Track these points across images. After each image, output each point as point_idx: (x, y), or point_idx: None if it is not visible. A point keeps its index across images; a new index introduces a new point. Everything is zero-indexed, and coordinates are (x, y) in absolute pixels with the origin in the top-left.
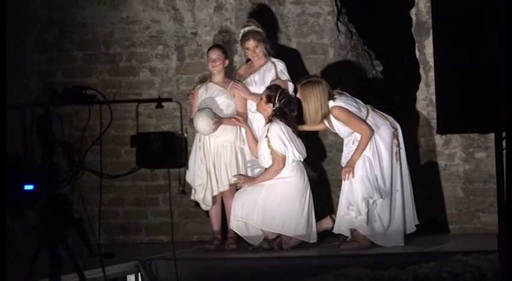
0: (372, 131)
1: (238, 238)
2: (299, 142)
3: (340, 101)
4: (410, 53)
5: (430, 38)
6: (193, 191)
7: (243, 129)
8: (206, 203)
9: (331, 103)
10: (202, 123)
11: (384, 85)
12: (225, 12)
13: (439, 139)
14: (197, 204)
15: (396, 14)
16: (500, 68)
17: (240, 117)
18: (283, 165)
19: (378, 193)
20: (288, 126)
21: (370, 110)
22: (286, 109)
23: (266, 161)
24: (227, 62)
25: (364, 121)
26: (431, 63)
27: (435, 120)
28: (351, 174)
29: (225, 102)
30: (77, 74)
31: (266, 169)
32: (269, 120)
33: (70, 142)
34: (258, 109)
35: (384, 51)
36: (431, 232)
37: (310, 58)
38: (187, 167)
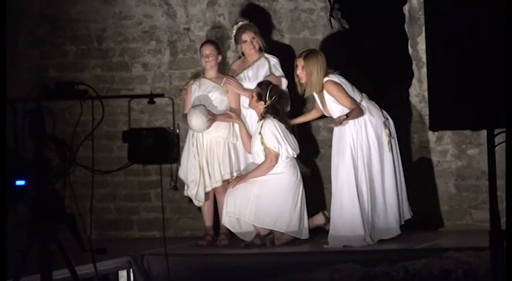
0: (361, 110)
1: (231, 234)
2: (292, 138)
3: (335, 77)
4: (403, 49)
5: (423, 34)
6: (186, 187)
7: (236, 125)
8: (199, 199)
9: (325, 78)
10: (196, 120)
11: (377, 81)
12: (218, 8)
13: (431, 136)
14: (190, 200)
15: (389, 10)
16: (493, 65)
17: (233, 114)
18: (276, 162)
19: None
20: (281, 122)
21: (364, 97)
22: (278, 106)
23: (259, 157)
24: (220, 57)
25: (356, 101)
26: (424, 59)
27: (428, 117)
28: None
29: (218, 98)
30: (69, 69)
31: (258, 165)
32: (262, 117)
33: (62, 137)
34: (250, 106)
35: (376, 48)
36: (424, 228)
37: None
38: (180, 163)
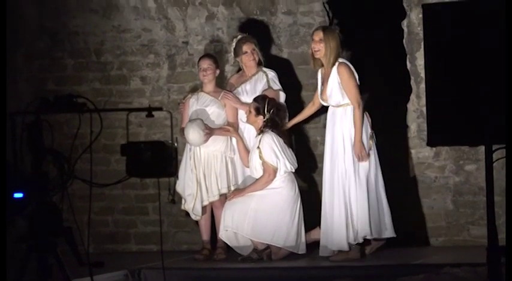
0: (362, 104)
1: (228, 248)
2: (290, 152)
3: (349, 63)
4: (401, 65)
5: (422, 49)
6: (183, 200)
7: (233, 139)
8: (196, 213)
9: (340, 59)
10: (193, 134)
11: (375, 96)
12: (216, 22)
13: (429, 151)
14: (187, 213)
15: (388, 25)
16: (491, 81)
17: (231, 128)
18: (274, 176)
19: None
20: (280, 136)
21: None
22: (276, 118)
23: (257, 172)
24: (218, 71)
25: (360, 93)
26: (423, 75)
27: (426, 132)
28: (363, 153)
29: (216, 112)
30: (68, 82)
31: (257, 179)
32: (261, 131)
33: (60, 150)
34: (249, 121)
35: (374, 62)
36: (418, 244)
37: (301, 68)
38: (177, 177)
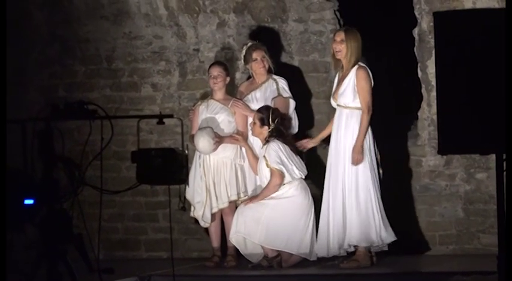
0: (372, 112)
1: (238, 255)
2: (298, 159)
3: (367, 68)
4: (412, 72)
5: (433, 57)
6: (192, 207)
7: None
8: (205, 220)
9: (361, 62)
10: (203, 143)
11: (386, 104)
12: (227, 29)
13: (440, 159)
14: (197, 221)
15: (399, 33)
16: (501, 90)
17: (240, 136)
18: (281, 180)
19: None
20: (286, 144)
21: None
22: (281, 128)
23: (268, 180)
24: (228, 79)
25: (372, 100)
26: (434, 83)
27: (436, 140)
28: (360, 158)
29: (225, 119)
30: (78, 89)
31: (266, 184)
32: (266, 142)
33: (71, 156)
34: (254, 134)
35: (386, 70)
36: (425, 252)
37: (312, 76)
38: (188, 184)
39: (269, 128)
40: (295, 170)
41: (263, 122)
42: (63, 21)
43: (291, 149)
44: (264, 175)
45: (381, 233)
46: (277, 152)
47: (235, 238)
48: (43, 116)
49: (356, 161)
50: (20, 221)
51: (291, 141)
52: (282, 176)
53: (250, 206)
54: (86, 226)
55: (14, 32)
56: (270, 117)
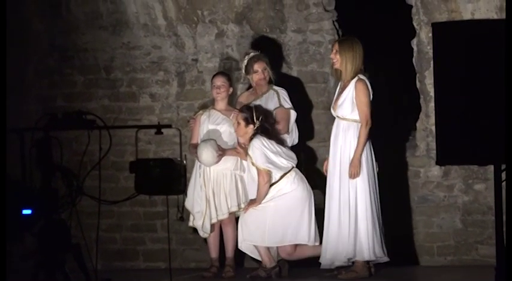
0: (371, 125)
1: (236, 266)
2: (285, 149)
3: (368, 81)
4: (411, 83)
5: (431, 68)
6: (191, 217)
7: None
8: (205, 231)
9: (361, 75)
10: (207, 155)
11: (384, 115)
12: (226, 39)
13: (438, 170)
14: (195, 231)
15: (397, 44)
16: (500, 101)
17: (242, 150)
18: (268, 178)
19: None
20: (271, 138)
21: None
22: (266, 124)
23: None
24: (231, 89)
25: (371, 113)
26: (432, 93)
27: (435, 151)
28: (357, 172)
29: (227, 131)
30: (77, 99)
31: (257, 188)
32: (251, 139)
33: (69, 166)
34: (239, 134)
35: (385, 81)
36: (423, 263)
37: (311, 86)
38: (186, 194)
39: (254, 126)
40: (284, 161)
41: (248, 121)
42: (62, 31)
43: (276, 142)
44: (253, 175)
45: (374, 249)
46: (261, 149)
47: (244, 245)
48: (41, 126)
49: (353, 175)
50: (18, 231)
51: (275, 134)
52: (269, 174)
53: (251, 212)
54: (84, 236)
55: (13, 41)
56: (254, 116)
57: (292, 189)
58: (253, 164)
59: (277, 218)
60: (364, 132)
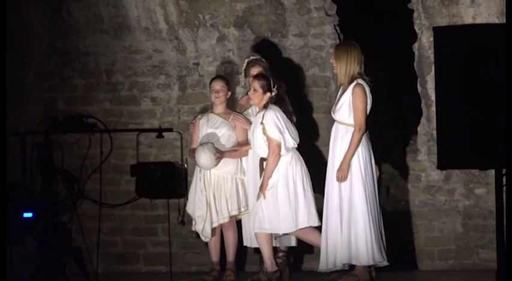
0: (364, 131)
1: (237, 270)
2: (293, 127)
3: (367, 87)
4: (412, 87)
5: (432, 72)
6: (193, 222)
7: (243, 161)
8: (205, 235)
9: (359, 80)
10: (204, 158)
11: (386, 119)
12: (227, 43)
13: (439, 174)
14: (197, 235)
15: (399, 49)
16: (501, 105)
17: (243, 119)
18: (279, 151)
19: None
20: (284, 112)
21: None
22: (281, 92)
23: (262, 150)
24: (229, 93)
25: (366, 118)
26: (433, 98)
27: (436, 156)
28: (345, 175)
29: (226, 134)
30: (78, 102)
31: (266, 163)
32: (264, 107)
33: (70, 170)
34: (255, 102)
35: (386, 85)
36: (424, 267)
37: (312, 91)
38: (187, 198)
39: (271, 93)
40: (290, 140)
41: (265, 88)
42: (63, 34)
43: (288, 118)
44: (258, 144)
45: (373, 254)
46: (274, 120)
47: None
48: (42, 129)
49: (340, 178)
50: (19, 234)
51: (288, 109)
52: (280, 147)
53: (268, 200)
54: (85, 239)
55: (14, 44)
56: (271, 83)
57: (291, 171)
58: (264, 133)
59: (281, 200)
60: (357, 137)
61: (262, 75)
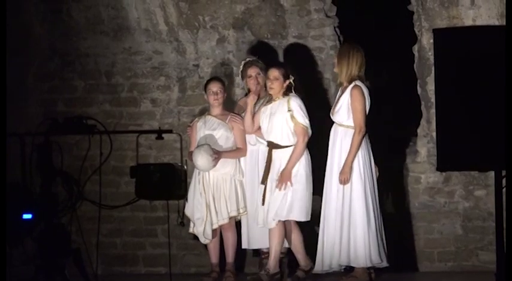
0: (365, 132)
1: (236, 271)
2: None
3: (365, 88)
4: (412, 89)
5: (432, 74)
6: (191, 224)
7: (242, 162)
8: (206, 237)
9: (358, 82)
10: (202, 160)
11: (385, 120)
12: (227, 45)
13: (439, 176)
14: (195, 237)
15: (399, 50)
16: (500, 107)
17: (252, 97)
18: (307, 138)
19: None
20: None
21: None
22: (297, 81)
23: (289, 138)
24: (225, 94)
25: (365, 120)
26: (433, 100)
27: (436, 157)
28: (347, 178)
29: (224, 135)
30: (78, 104)
31: (294, 149)
32: (284, 94)
33: (70, 171)
34: (275, 90)
35: (386, 87)
36: (423, 269)
37: (311, 92)
38: (187, 200)
39: (290, 79)
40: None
41: (285, 76)
42: (63, 35)
43: None
44: (285, 132)
45: (371, 256)
46: (301, 107)
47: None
48: (42, 130)
49: (343, 181)
50: (19, 235)
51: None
52: (308, 133)
53: (278, 197)
54: (84, 240)
55: (14, 45)
56: (288, 71)
57: (307, 157)
58: (293, 120)
59: (301, 189)
60: (357, 139)
61: (278, 64)
